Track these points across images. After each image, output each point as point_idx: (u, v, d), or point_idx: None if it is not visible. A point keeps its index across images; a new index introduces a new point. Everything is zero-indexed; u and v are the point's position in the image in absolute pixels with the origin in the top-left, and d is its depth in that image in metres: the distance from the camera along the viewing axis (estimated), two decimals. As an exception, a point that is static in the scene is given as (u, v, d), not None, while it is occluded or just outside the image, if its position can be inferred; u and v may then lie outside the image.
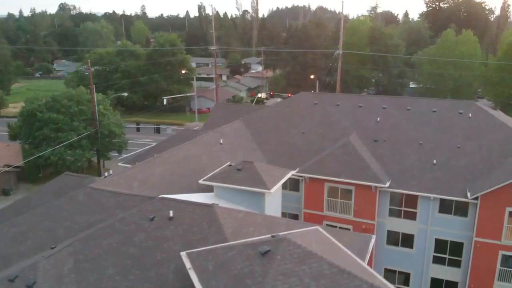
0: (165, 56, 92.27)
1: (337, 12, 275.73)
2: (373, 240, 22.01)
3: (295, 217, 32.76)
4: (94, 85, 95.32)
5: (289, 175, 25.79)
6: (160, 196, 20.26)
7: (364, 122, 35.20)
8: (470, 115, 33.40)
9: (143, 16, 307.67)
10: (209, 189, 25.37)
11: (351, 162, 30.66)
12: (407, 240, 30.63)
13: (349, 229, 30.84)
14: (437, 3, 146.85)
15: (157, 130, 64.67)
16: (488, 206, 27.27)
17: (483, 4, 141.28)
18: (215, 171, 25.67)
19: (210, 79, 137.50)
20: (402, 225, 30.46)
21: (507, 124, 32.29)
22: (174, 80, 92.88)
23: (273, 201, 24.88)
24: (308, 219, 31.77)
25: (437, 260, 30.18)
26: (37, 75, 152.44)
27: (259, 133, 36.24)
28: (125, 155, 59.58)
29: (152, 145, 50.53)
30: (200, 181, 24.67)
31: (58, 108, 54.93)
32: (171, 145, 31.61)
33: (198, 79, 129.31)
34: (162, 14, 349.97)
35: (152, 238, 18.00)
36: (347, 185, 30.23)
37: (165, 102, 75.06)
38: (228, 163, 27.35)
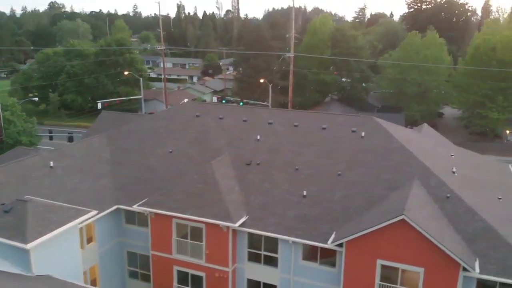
0: (112, 56, 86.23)
1: (333, 13, 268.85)
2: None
3: (146, 259, 26.78)
4: (38, 86, 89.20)
5: (78, 221, 19.71)
6: None
7: (242, 140, 29.14)
8: (363, 134, 27.33)
9: (134, 16, 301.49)
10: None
11: (204, 193, 24.64)
12: (269, 292, 24.60)
13: (201, 277, 24.92)
14: (419, 5, 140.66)
15: (70, 139, 58.58)
16: (355, 256, 21.19)
17: (466, 6, 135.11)
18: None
19: (179, 80, 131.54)
20: (263, 273, 24.37)
21: (405, 147, 26.18)
22: (122, 81, 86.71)
23: (53, 255, 18.79)
24: (156, 262, 25.74)
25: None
26: (3, 75, 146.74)
27: (120, 151, 30.21)
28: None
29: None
30: None
31: None
32: (-11, 169, 25.62)
33: (169, 80, 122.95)
34: (155, 14, 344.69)
35: None
36: (196, 223, 24.21)
37: (99, 106, 68.63)
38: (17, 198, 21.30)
